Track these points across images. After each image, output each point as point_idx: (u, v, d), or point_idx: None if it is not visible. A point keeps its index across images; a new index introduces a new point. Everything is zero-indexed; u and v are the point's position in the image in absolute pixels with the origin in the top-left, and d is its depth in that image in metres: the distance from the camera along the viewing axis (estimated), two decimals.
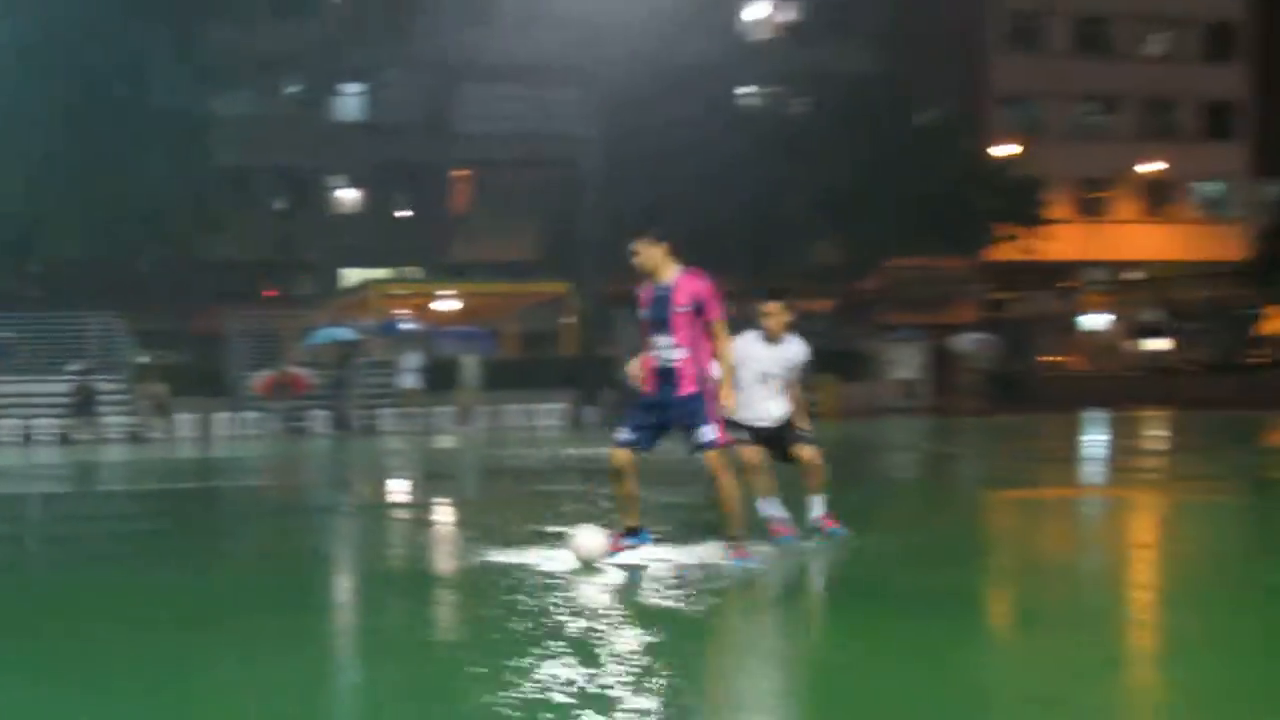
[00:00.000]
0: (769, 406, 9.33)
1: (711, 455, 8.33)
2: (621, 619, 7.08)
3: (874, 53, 52.11)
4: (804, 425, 9.63)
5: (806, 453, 9.46)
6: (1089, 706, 5.16)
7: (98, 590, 8.81)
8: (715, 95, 44.64)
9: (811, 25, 53.94)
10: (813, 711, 5.40)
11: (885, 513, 12.35)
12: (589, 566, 8.38)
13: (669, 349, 8.29)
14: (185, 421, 32.83)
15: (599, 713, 4.95)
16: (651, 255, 8.36)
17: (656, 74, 41.57)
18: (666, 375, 8.33)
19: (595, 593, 7.82)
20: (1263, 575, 8.53)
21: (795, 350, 9.34)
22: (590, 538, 8.63)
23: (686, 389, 8.28)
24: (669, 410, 8.36)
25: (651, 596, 7.68)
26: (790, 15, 55.26)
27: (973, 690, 5.59)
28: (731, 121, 44.82)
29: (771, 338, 9.22)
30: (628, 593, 7.91)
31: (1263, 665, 5.84)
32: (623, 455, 8.51)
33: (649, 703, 5.10)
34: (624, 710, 4.96)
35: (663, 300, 8.33)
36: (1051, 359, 55.18)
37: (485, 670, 5.70)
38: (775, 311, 9.22)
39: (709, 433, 8.27)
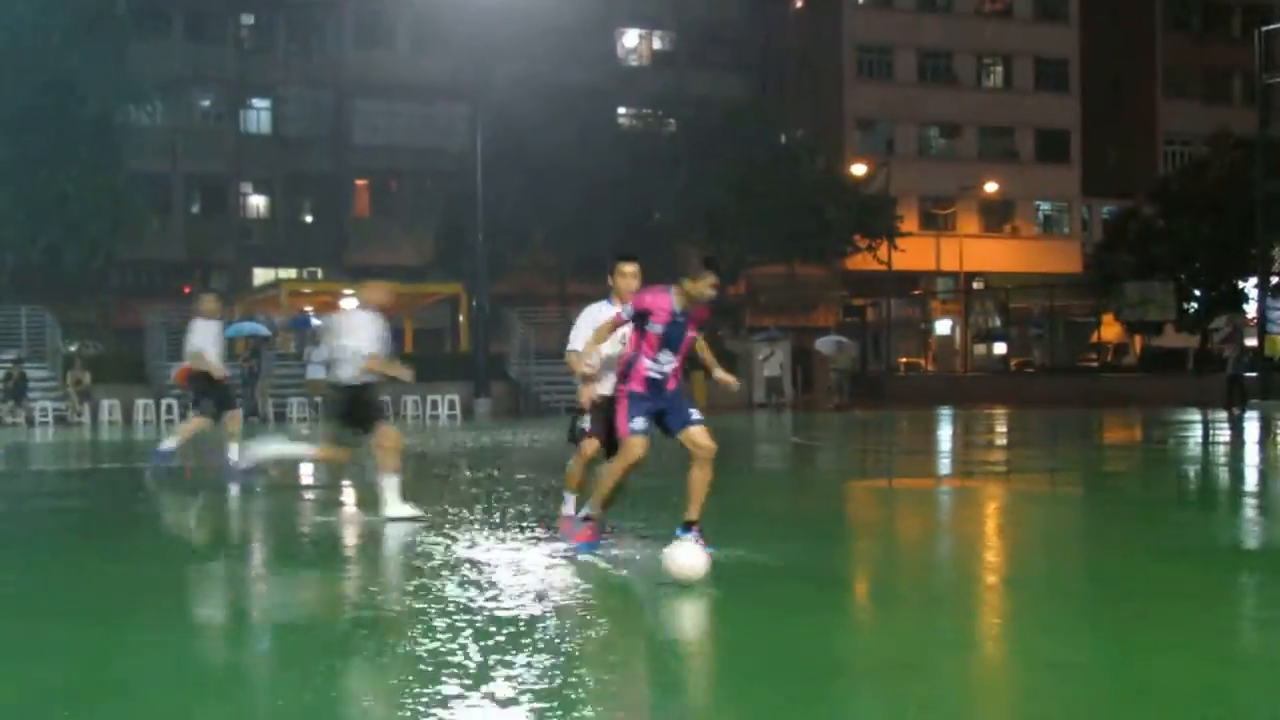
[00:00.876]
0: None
1: (705, 431, 8.59)
2: (532, 592, 7.11)
3: (742, 79, 55.06)
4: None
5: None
6: (942, 673, 5.53)
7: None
8: (595, 115, 46.83)
9: (685, 54, 56.74)
10: (726, 669, 5.71)
11: (760, 499, 12.12)
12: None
13: (668, 363, 8.48)
14: (108, 407, 33.70)
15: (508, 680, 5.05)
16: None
17: (541, 95, 43.69)
18: (661, 382, 8.49)
19: (487, 569, 7.91)
20: (1093, 562, 8.84)
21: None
22: (689, 554, 7.44)
23: (674, 385, 8.59)
24: (667, 402, 8.51)
25: (559, 576, 7.71)
26: (665, 44, 57.96)
27: (844, 656, 5.92)
28: (610, 140, 46.76)
29: (624, 301, 8.78)
30: (532, 568, 7.95)
31: (1091, 644, 6.03)
32: (645, 443, 8.45)
33: (548, 661, 5.32)
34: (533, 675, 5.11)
35: (680, 325, 8.45)
36: (904, 360, 57.46)
37: (373, 643, 5.94)
38: (632, 273, 8.98)
39: (697, 412, 8.63)
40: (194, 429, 15.60)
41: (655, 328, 8.33)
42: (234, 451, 14.95)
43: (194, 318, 15.21)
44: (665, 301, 8.34)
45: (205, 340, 14.95)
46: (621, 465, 8.48)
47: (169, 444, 15.46)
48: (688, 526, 8.37)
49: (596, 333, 8.64)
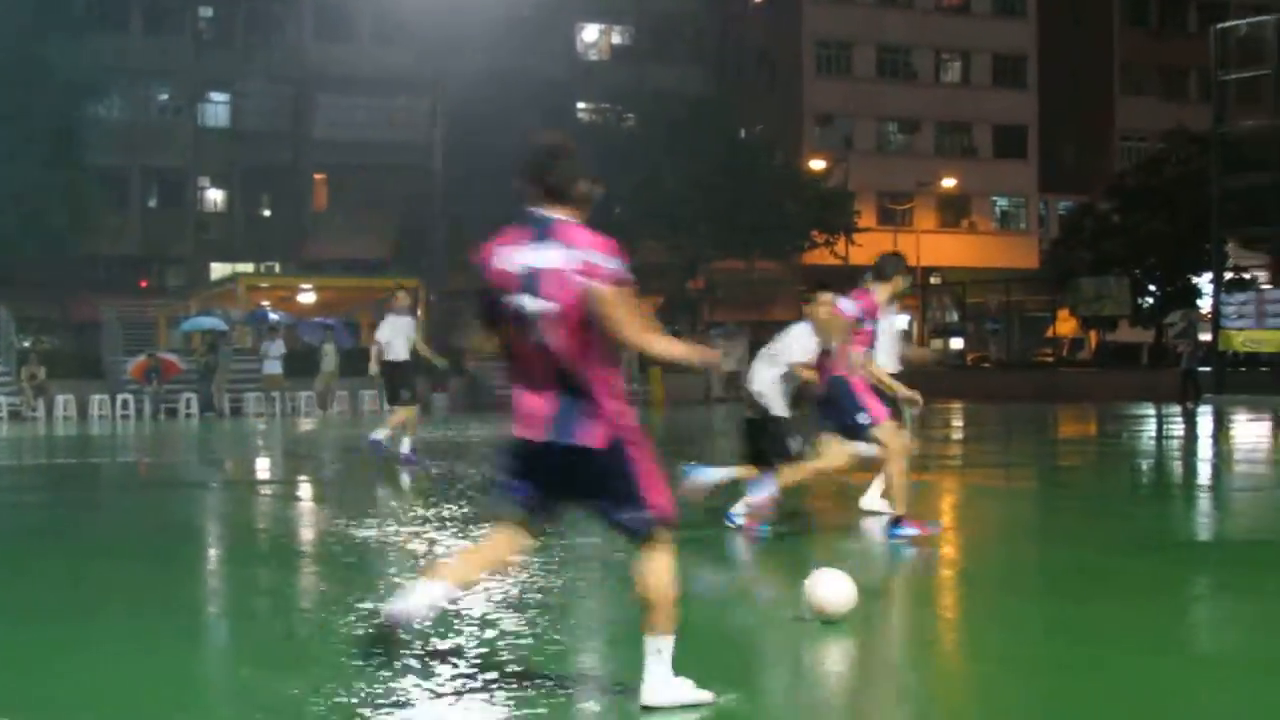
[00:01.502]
0: None
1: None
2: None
3: (701, 74, 55.16)
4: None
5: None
6: (895, 667, 5.58)
7: None
8: (555, 109, 46.68)
9: (645, 48, 56.67)
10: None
11: (720, 492, 12.20)
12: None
13: None
14: (63, 402, 33.38)
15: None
16: None
17: (500, 89, 43.71)
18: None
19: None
20: (1046, 555, 9.04)
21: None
22: (835, 587, 6.24)
23: None
24: None
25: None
26: (625, 39, 58.07)
27: (800, 650, 5.85)
28: (570, 133, 47.00)
29: (820, 328, 8.99)
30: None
31: (1043, 638, 6.14)
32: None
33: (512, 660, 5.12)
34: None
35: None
36: None
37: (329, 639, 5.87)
38: (828, 301, 9.05)
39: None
40: (400, 420, 15.97)
41: (870, 324, 8.89)
42: (406, 445, 15.56)
43: (387, 313, 16.12)
44: (873, 303, 8.91)
45: (386, 333, 15.62)
46: (900, 449, 8.79)
47: (379, 434, 15.96)
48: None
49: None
